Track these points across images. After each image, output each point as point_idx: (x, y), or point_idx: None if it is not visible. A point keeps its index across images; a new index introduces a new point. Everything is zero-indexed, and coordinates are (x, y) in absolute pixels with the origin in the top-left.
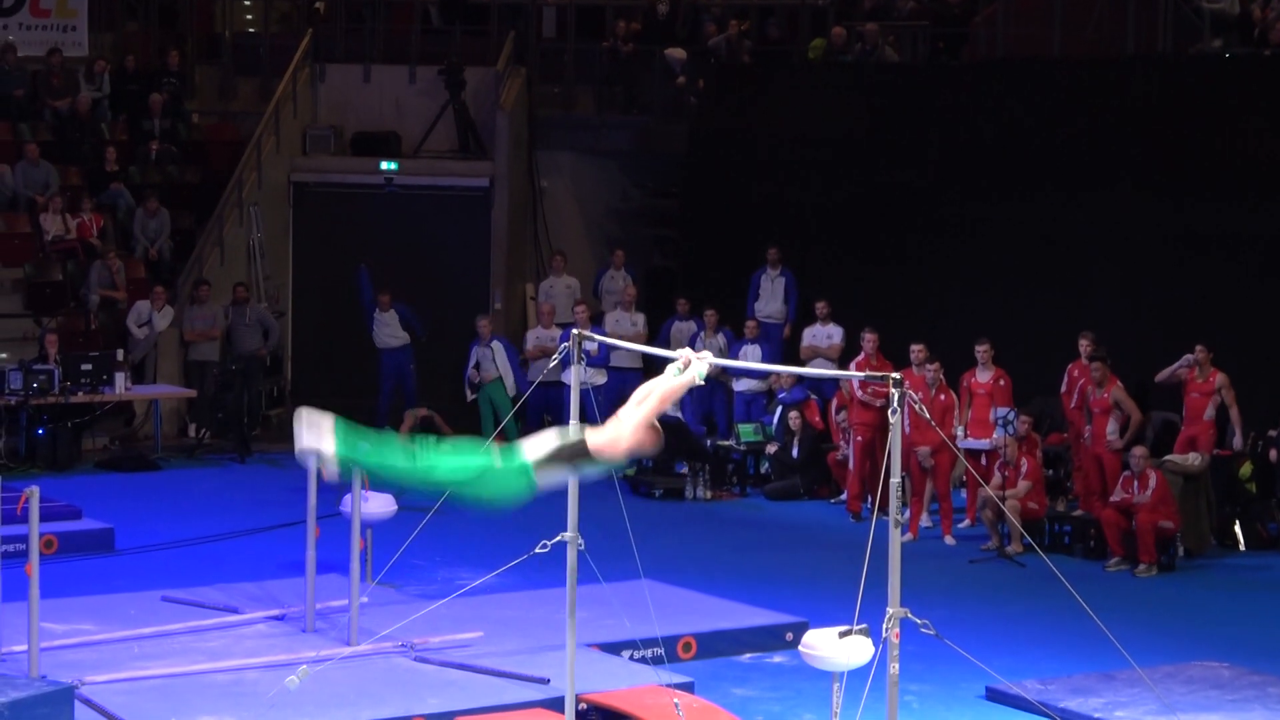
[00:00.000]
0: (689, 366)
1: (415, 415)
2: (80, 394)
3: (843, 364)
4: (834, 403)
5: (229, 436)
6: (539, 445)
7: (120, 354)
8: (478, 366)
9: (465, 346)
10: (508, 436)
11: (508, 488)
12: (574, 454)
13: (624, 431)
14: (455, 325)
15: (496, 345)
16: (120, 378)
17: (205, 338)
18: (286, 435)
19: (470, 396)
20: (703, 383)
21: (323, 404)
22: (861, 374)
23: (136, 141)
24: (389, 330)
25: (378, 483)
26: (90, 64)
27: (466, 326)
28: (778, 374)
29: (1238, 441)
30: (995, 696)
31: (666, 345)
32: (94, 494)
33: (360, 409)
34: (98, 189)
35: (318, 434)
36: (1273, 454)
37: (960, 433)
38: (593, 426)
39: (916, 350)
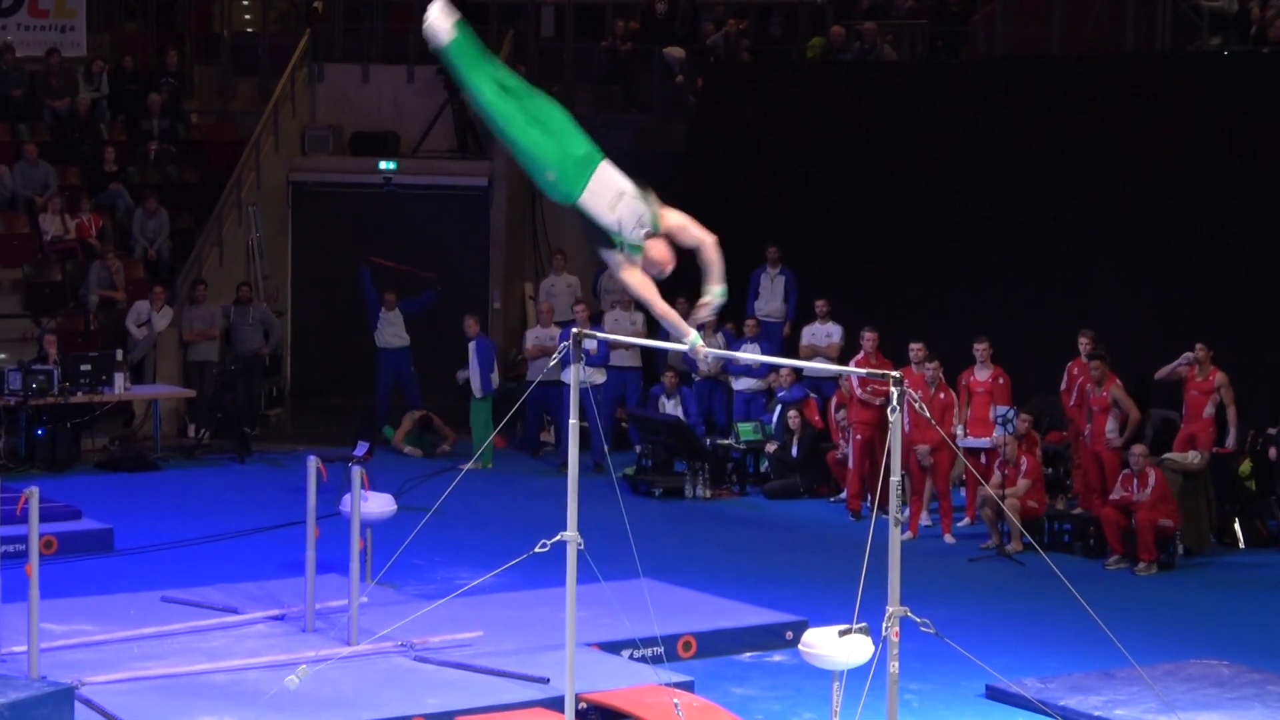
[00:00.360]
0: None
1: (413, 417)
2: (79, 394)
3: (842, 363)
4: (834, 401)
5: (228, 436)
6: (615, 178)
7: (119, 354)
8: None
9: (464, 346)
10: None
11: (558, 175)
12: (645, 204)
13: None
14: (454, 325)
15: (471, 346)
16: (119, 378)
17: (204, 337)
18: (286, 435)
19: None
20: (685, 348)
21: (321, 403)
22: (862, 371)
23: (135, 141)
24: (393, 330)
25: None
26: (89, 64)
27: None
28: (777, 372)
29: (1233, 441)
30: (995, 695)
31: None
32: (93, 494)
33: (359, 408)
34: (97, 189)
35: (445, 18)
36: (1272, 452)
37: (960, 431)
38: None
39: (915, 349)
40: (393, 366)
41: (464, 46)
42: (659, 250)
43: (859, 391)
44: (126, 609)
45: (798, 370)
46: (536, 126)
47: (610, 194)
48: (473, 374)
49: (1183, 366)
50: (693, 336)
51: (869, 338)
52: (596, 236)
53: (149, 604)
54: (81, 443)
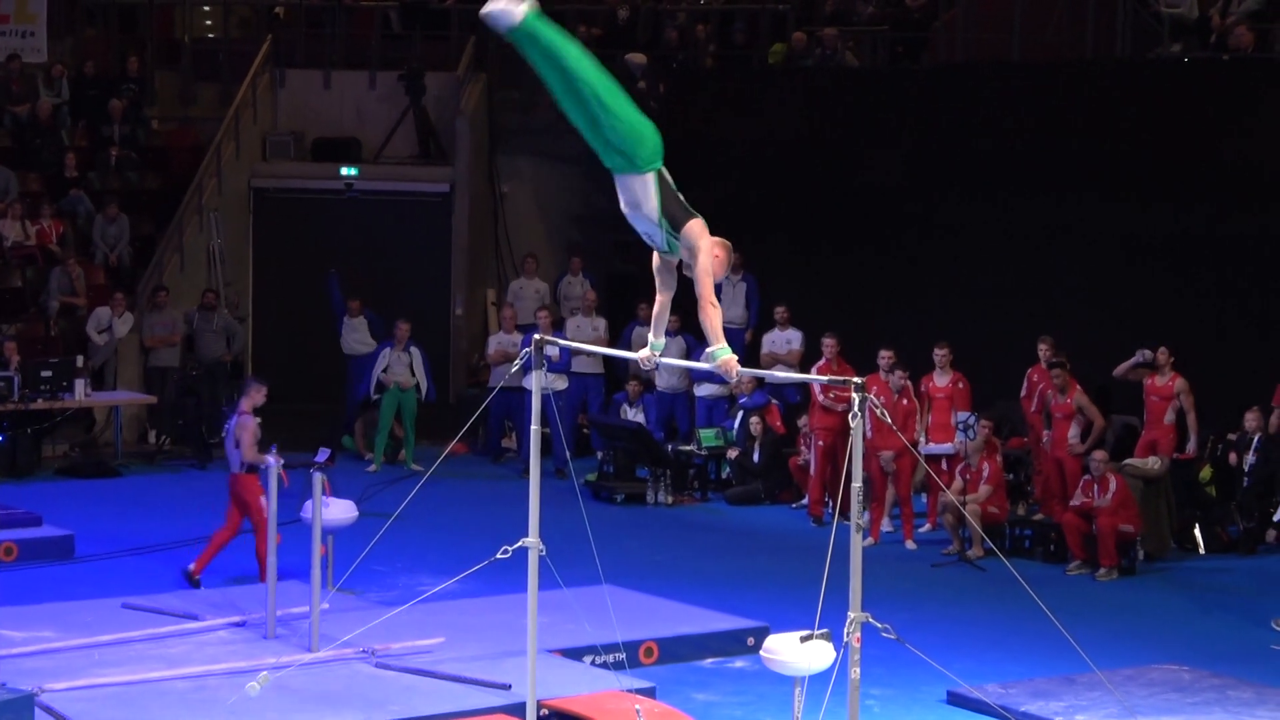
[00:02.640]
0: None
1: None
2: (40, 400)
3: (803, 369)
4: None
5: (189, 443)
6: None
7: (80, 360)
8: (387, 369)
9: (428, 351)
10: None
11: (640, 143)
12: (679, 214)
13: (704, 256)
14: (416, 330)
15: (415, 352)
16: (80, 384)
17: (165, 343)
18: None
19: (375, 396)
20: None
21: (284, 410)
22: (824, 378)
23: (96, 147)
24: (357, 336)
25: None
26: (49, 70)
27: (428, 331)
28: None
29: (1192, 447)
30: (956, 700)
31: (628, 349)
32: (54, 501)
33: (322, 415)
34: (57, 195)
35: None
36: (1232, 457)
37: (921, 437)
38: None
39: (885, 356)
40: (361, 372)
41: (541, 19)
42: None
43: (821, 398)
44: (87, 616)
45: (759, 376)
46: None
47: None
48: (420, 378)
49: (1142, 367)
50: (721, 350)
51: (829, 344)
52: (670, 215)
53: (109, 610)
54: (42, 449)
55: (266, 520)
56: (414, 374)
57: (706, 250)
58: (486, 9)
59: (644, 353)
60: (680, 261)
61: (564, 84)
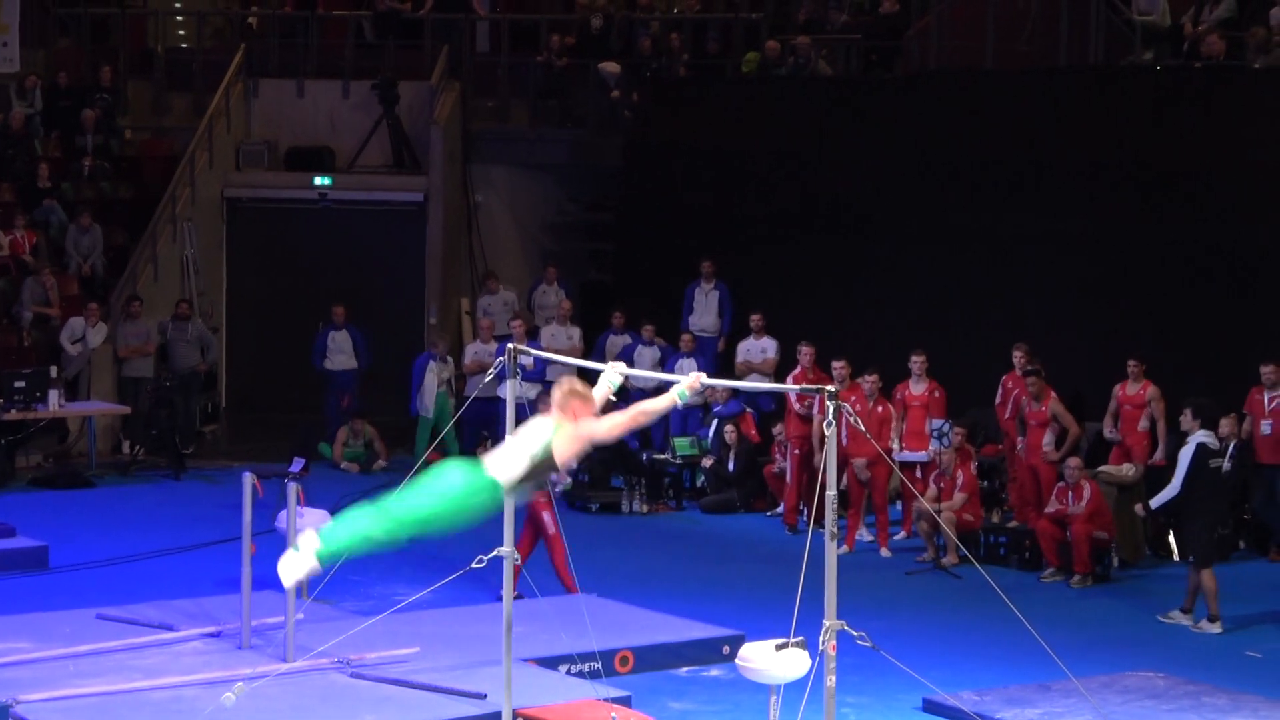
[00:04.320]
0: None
1: (349, 430)
2: (13, 411)
3: (779, 377)
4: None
5: (163, 453)
6: (509, 465)
7: (54, 371)
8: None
9: (403, 360)
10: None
11: (477, 508)
12: (544, 468)
13: (598, 429)
14: (391, 340)
15: (344, 332)
16: (54, 395)
17: (139, 354)
18: (221, 452)
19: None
20: (681, 404)
21: (257, 419)
22: (798, 387)
23: (69, 157)
24: (336, 347)
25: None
26: (22, 80)
27: (402, 341)
28: (713, 387)
29: (1159, 455)
30: (932, 708)
31: (602, 358)
32: (28, 511)
33: (297, 425)
34: (30, 205)
35: (299, 565)
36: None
37: (895, 445)
38: (549, 432)
39: (838, 367)
40: (340, 387)
41: (332, 547)
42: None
43: (796, 406)
44: (61, 626)
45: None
46: (434, 491)
47: (511, 468)
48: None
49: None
50: (678, 393)
51: (806, 352)
52: (542, 475)
53: (84, 621)
54: (16, 460)
55: (557, 535)
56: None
57: (583, 430)
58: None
59: (687, 391)
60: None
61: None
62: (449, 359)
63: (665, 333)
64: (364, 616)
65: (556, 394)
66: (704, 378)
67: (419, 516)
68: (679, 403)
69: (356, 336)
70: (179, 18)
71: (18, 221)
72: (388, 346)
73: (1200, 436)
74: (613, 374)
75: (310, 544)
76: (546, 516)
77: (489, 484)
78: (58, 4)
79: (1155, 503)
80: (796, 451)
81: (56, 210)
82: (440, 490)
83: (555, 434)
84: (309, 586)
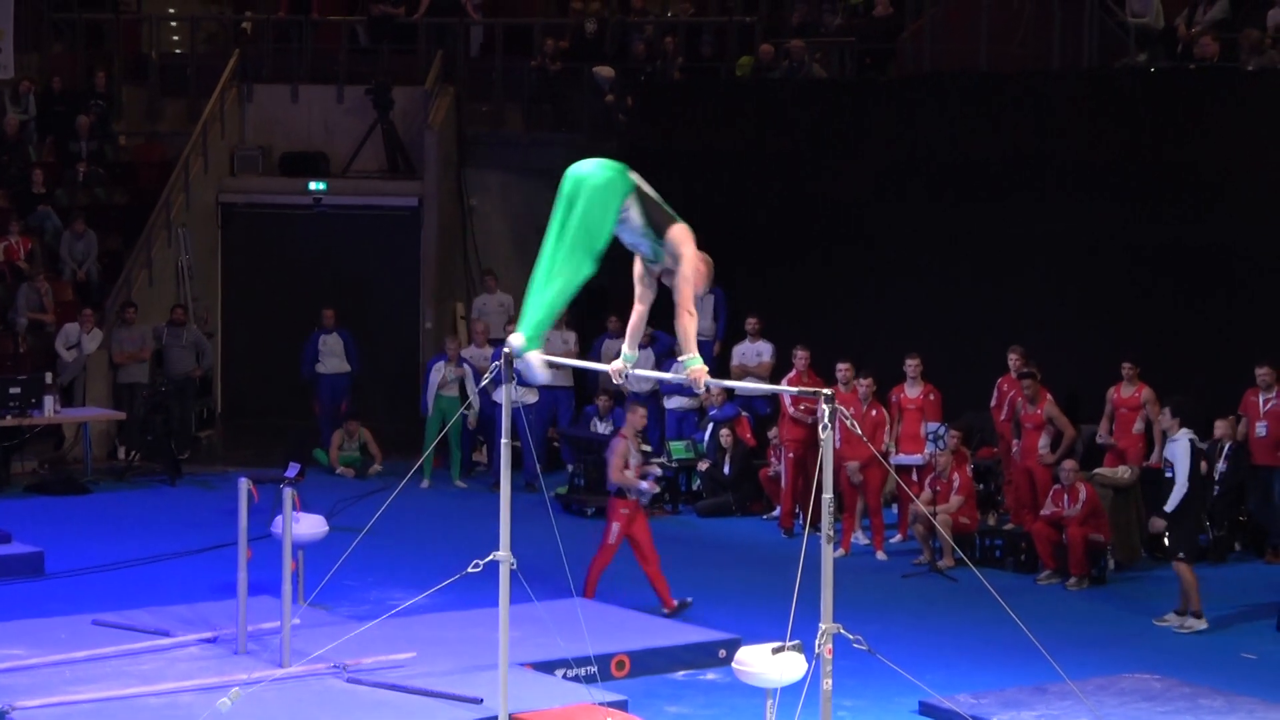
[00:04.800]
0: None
1: (344, 433)
2: (9, 417)
3: (775, 380)
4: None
5: (159, 459)
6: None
7: (49, 377)
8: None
9: (398, 364)
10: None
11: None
12: (662, 220)
13: (688, 264)
14: (386, 344)
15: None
16: (49, 400)
17: (134, 359)
18: (217, 457)
19: (431, 414)
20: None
21: (252, 425)
22: (793, 389)
23: (63, 163)
24: (328, 351)
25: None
26: (16, 85)
27: (397, 345)
28: (709, 391)
29: (1155, 457)
30: (928, 711)
31: (598, 361)
32: (23, 517)
33: (292, 429)
34: (25, 211)
35: (533, 364)
36: (1203, 466)
37: (891, 448)
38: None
39: (843, 369)
40: (332, 390)
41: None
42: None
43: (791, 410)
44: (57, 632)
45: (729, 388)
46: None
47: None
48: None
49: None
50: (693, 359)
51: (801, 356)
52: (652, 223)
53: (80, 627)
54: (11, 466)
55: (611, 547)
56: (465, 391)
57: (690, 259)
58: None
59: (616, 364)
60: (662, 270)
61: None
62: (463, 364)
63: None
64: (360, 621)
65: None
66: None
67: (573, 245)
68: (686, 360)
69: (347, 339)
70: (173, 23)
71: (12, 227)
72: (383, 351)
73: (1187, 434)
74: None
75: (521, 344)
76: (615, 527)
77: (616, 173)
78: (52, 9)
79: (1170, 507)
80: (791, 455)
81: (51, 216)
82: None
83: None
84: (304, 591)
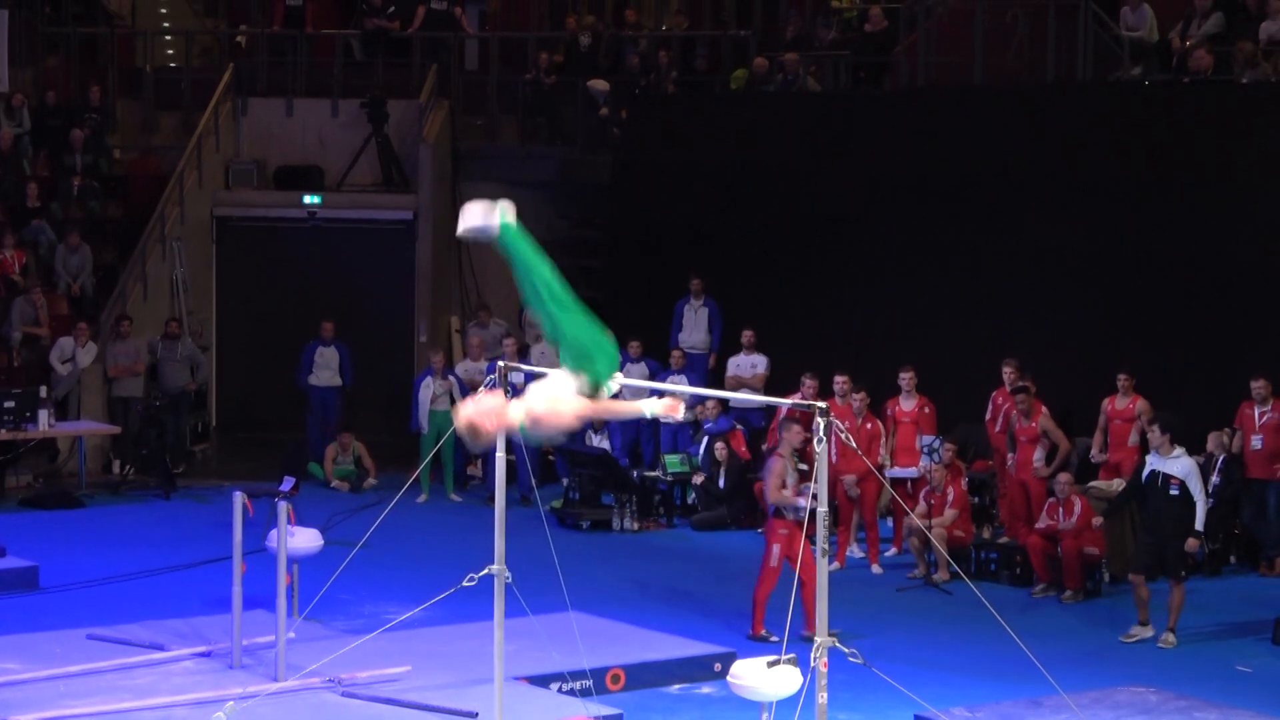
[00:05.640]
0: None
1: (339, 446)
2: (3, 431)
3: (768, 394)
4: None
5: (153, 473)
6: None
7: (44, 390)
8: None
9: (392, 378)
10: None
11: (594, 361)
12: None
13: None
14: (381, 358)
15: (332, 349)
16: (44, 414)
17: (129, 373)
18: (211, 471)
19: (424, 429)
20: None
21: (247, 439)
22: (788, 402)
23: (58, 177)
24: (323, 363)
25: (306, 520)
26: (10, 99)
27: (392, 358)
28: (704, 404)
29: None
30: None
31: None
32: (18, 531)
33: (287, 443)
34: (19, 225)
35: (486, 213)
36: None
37: (886, 461)
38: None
39: (840, 381)
40: (321, 401)
41: (515, 233)
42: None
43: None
44: (52, 647)
45: (724, 401)
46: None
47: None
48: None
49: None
50: (649, 404)
51: (810, 384)
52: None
53: (75, 642)
54: (5, 480)
55: (775, 570)
56: (453, 398)
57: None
58: (464, 226)
59: (658, 411)
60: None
61: (530, 287)
62: (449, 376)
63: (655, 349)
64: (355, 635)
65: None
66: (683, 408)
67: (561, 294)
68: (645, 414)
69: (343, 354)
70: (168, 37)
71: (6, 241)
72: (377, 365)
73: (1183, 450)
74: (612, 384)
75: (506, 212)
76: (775, 549)
77: (613, 358)
78: (46, 23)
79: (1200, 525)
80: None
81: (45, 230)
82: (586, 312)
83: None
84: (299, 605)
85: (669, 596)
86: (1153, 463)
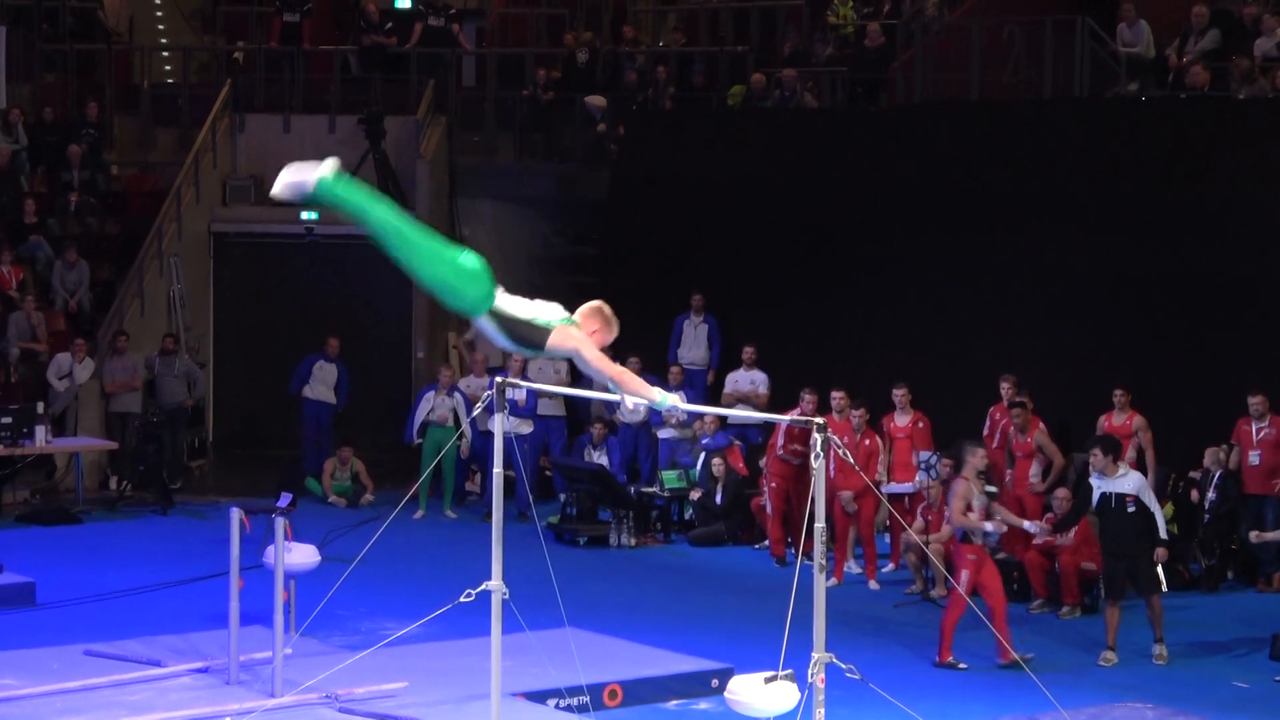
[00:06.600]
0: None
1: (337, 461)
2: (0, 447)
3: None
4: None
5: (150, 489)
6: (511, 301)
7: (41, 406)
8: (432, 411)
9: (390, 394)
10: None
11: (452, 281)
12: (530, 333)
13: (590, 350)
14: (378, 374)
15: (333, 366)
16: (41, 430)
17: (126, 389)
18: (208, 487)
19: (417, 440)
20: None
21: (244, 455)
22: (787, 419)
23: (55, 193)
24: (321, 378)
25: (303, 536)
26: (7, 115)
27: (390, 375)
28: (701, 420)
29: (1151, 483)
30: None
31: (589, 390)
32: (15, 547)
33: (283, 459)
34: (16, 241)
35: (305, 171)
36: (1194, 495)
37: (883, 477)
38: (557, 316)
39: (837, 397)
40: (315, 417)
41: (337, 182)
42: (591, 320)
43: (779, 451)
44: (49, 663)
45: (721, 417)
46: (445, 244)
47: (520, 300)
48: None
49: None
50: (662, 397)
51: (809, 400)
52: (521, 339)
53: (71, 657)
54: (2, 496)
55: (964, 598)
56: (459, 419)
57: (583, 342)
58: (277, 186)
59: (668, 406)
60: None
61: (377, 237)
62: (454, 394)
63: (652, 365)
64: (352, 651)
65: (589, 305)
66: (684, 402)
67: (407, 235)
68: (658, 402)
69: (342, 373)
70: (165, 53)
71: (4, 257)
72: (375, 381)
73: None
74: (673, 399)
75: (328, 167)
76: (964, 574)
77: (480, 277)
78: (44, 39)
79: (1163, 534)
80: (774, 484)
81: (43, 246)
82: (439, 243)
83: (561, 321)
84: (296, 621)
85: (666, 612)
86: (1101, 485)
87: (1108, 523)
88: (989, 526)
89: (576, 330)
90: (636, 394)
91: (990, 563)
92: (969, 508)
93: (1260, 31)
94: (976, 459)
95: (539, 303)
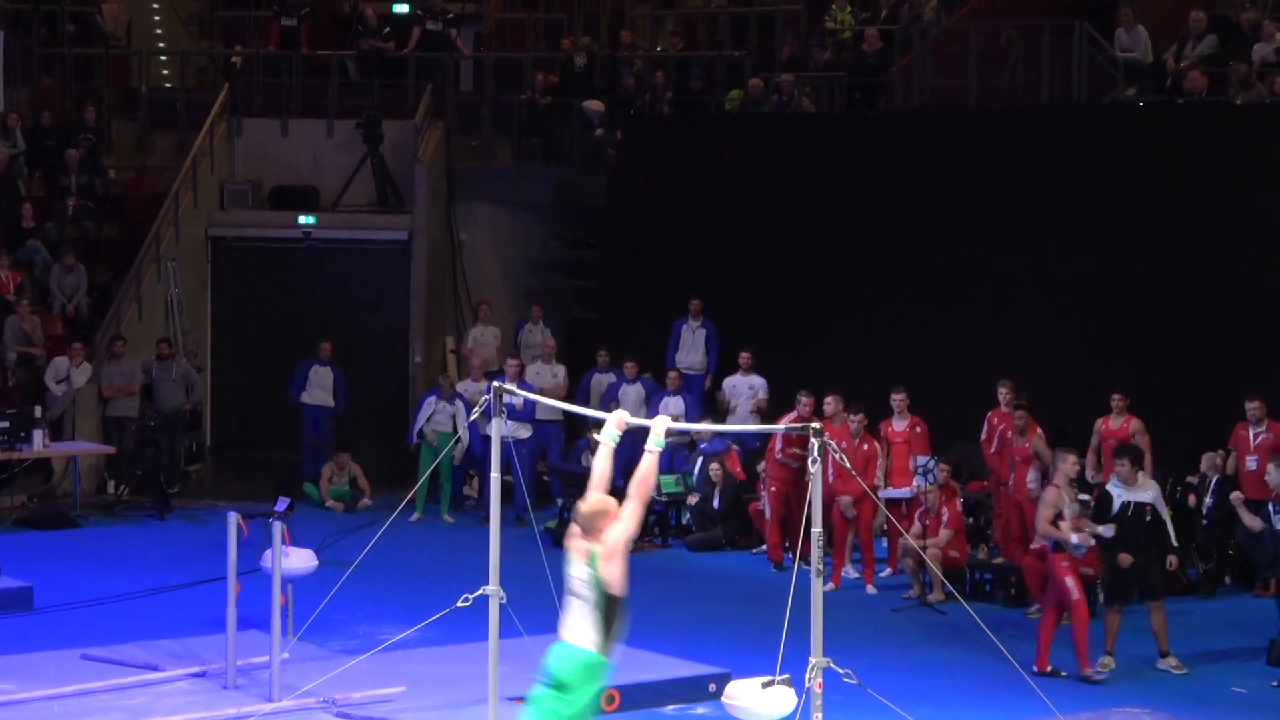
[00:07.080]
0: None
1: (334, 466)
2: None
3: (771, 418)
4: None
5: (148, 493)
6: (588, 633)
7: (38, 411)
8: (431, 418)
9: (387, 398)
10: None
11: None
12: (611, 605)
13: (626, 531)
14: (376, 378)
15: (328, 369)
16: (38, 434)
17: (123, 393)
18: (206, 491)
19: (416, 441)
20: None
21: (241, 459)
22: (782, 427)
23: (53, 197)
24: (317, 382)
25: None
26: (5, 119)
27: (387, 379)
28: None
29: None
30: None
31: (586, 397)
32: (12, 552)
33: (281, 464)
34: (14, 245)
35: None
36: (1191, 500)
37: (880, 482)
38: (589, 569)
39: (830, 402)
40: (313, 421)
41: None
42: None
43: (778, 454)
44: (46, 667)
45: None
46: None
47: (584, 626)
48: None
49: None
50: (653, 439)
51: (805, 401)
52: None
53: (69, 662)
54: (0, 500)
55: (1081, 601)
56: (456, 427)
57: (616, 544)
58: None
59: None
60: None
61: None
62: (455, 400)
63: (650, 370)
64: (350, 656)
65: (578, 522)
66: (670, 422)
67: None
68: (660, 449)
69: (338, 376)
70: (163, 57)
71: (1, 261)
72: (372, 385)
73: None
74: (613, 428)
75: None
76: (1069, 581)
77: (598, 663)
78: (42, 44)
79: (1175, 540)
80: (773, 489)
81: (40, 250)
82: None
83: (596, 567)
84: (294, 626)
85: (664, 617)
86: (1122, 495)
87: (1128, 532)
88: (1075, 539)
89: (603, 549)
90: (654, 470)
91: (1075, 571)
92: (1060, 516)
93: (1258, 37)
94: (1068, 465)
95: (571, 586)
